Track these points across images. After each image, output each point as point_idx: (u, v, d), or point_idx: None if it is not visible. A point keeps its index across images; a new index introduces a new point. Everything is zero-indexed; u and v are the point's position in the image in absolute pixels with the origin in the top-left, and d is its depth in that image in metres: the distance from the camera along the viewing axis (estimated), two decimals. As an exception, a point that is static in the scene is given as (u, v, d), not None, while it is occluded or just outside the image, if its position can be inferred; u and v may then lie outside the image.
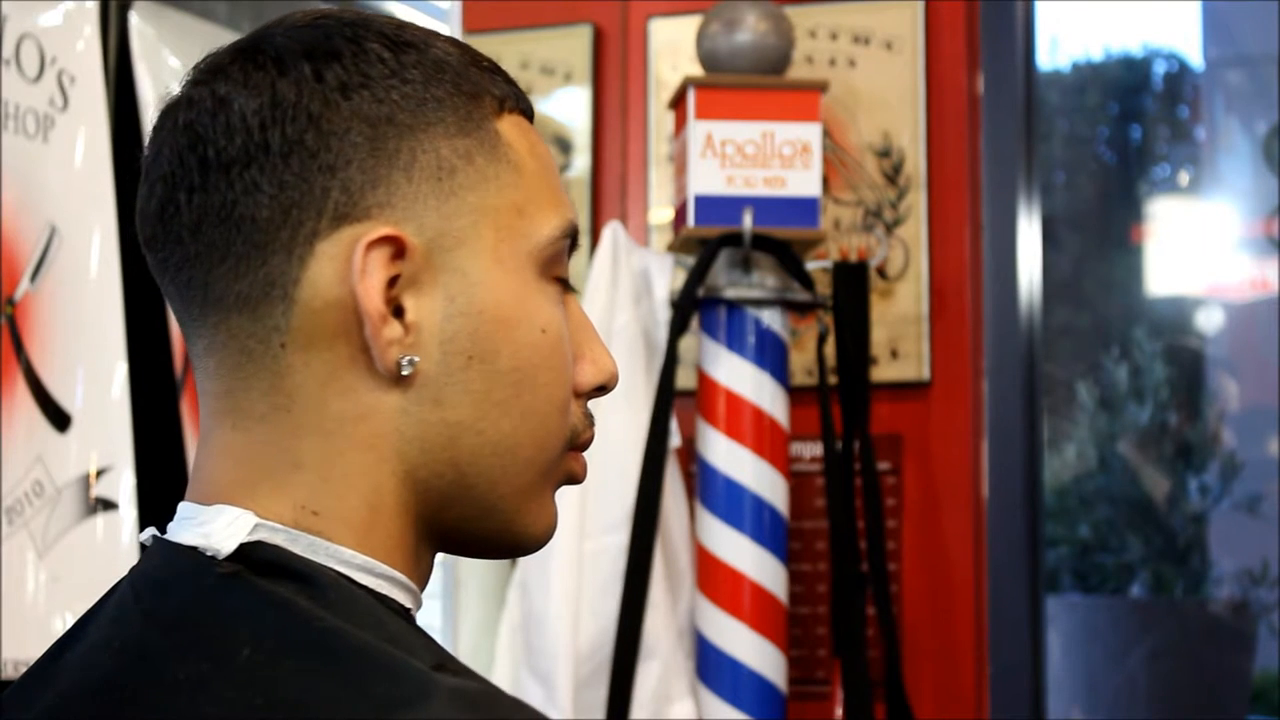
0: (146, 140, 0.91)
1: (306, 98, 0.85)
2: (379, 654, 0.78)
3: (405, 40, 0.88)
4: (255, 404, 0.86)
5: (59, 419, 2.16)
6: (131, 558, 2.22)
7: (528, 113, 0.93)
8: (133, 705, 0.78)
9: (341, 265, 0.84)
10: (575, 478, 0.93)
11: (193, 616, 0.81)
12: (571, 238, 0.92)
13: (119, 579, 0.89)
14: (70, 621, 2.13)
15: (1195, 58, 6.92)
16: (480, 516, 0.89)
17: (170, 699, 0.77)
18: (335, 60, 0.86)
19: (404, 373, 0.85)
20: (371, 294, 0.84)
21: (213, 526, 0.83)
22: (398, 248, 0.84)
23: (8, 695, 0.88)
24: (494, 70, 0.91)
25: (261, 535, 0.83)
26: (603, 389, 0.93)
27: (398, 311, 0.85)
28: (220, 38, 2.58)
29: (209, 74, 0.87)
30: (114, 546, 2.21)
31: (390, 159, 0.85)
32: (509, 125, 0.90)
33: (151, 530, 0.89)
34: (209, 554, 0.82)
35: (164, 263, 0.87)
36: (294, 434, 0.85)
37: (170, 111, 0.87)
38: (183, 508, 0.87)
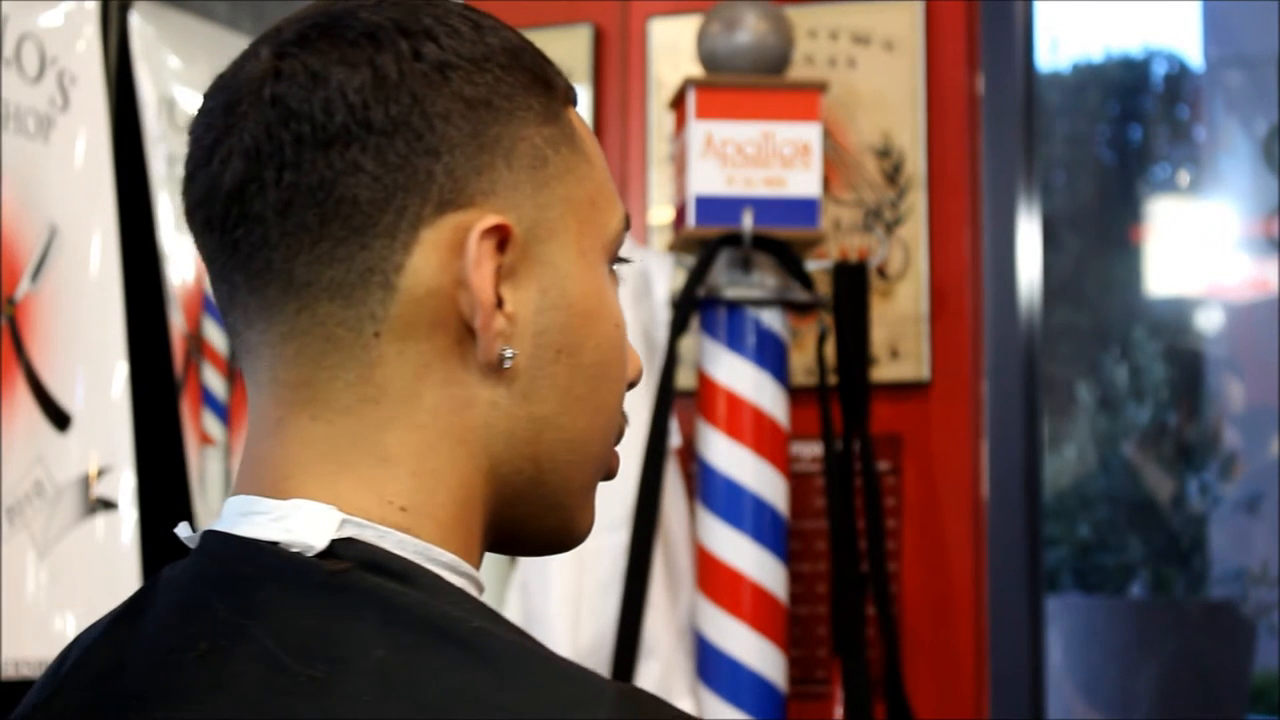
0: (193, 117, 0.86)
1: (409, 76, 0.81)
2: (533, 653, 0.75)
3: (485, 23, 0.85)
4: (339, 395, 0.81)
5: (59, 419, 2.16)
6: (132, 558, 2.22)
7: (577, 105, 0.92)
8: (246, 709, 0.73)
9: (444, 253, 0.81)
10: (612, 473, 0.92)
11: (303, 616, 0.76)
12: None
13: (152, 579, 0.85)
14: (71, 621, 2.14)
15: (1195, 58, 6.93)
16: (545, 513, 0.87)
17: (293, 702, 0.73)
18: (429, 38, 0.82)
19: (505, 365, 0.82)
20: (485, 284, 0.81)
21: (294, 521, 0.79)
22: (502, 238, 0.82)
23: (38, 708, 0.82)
24: (549, 60, 0.89)
25: (350, 531, 0.79)
26: (633, 384, 0.93)
27: (498, 303, 0.82)
28: (220, 38, 2.58)
29: (294, 46, 0.81)
30: (114, 546, 2.21)
31: (492, 145, 0.82)
32: (573, 115, 0.88)
33: (185, 526, 0.86)
34: (295, 549, 0.78)
35: (233, 244, 0.81)
36: (382, 426, 0.81)
37: (251, 84, 0.81)
38: (244, 501, 0.82)
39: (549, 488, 0.86)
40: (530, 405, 0.84)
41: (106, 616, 0.86)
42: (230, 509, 0.83)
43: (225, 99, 0.82)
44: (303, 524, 0.79)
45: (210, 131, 0.82)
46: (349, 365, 0.81)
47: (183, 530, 0.85)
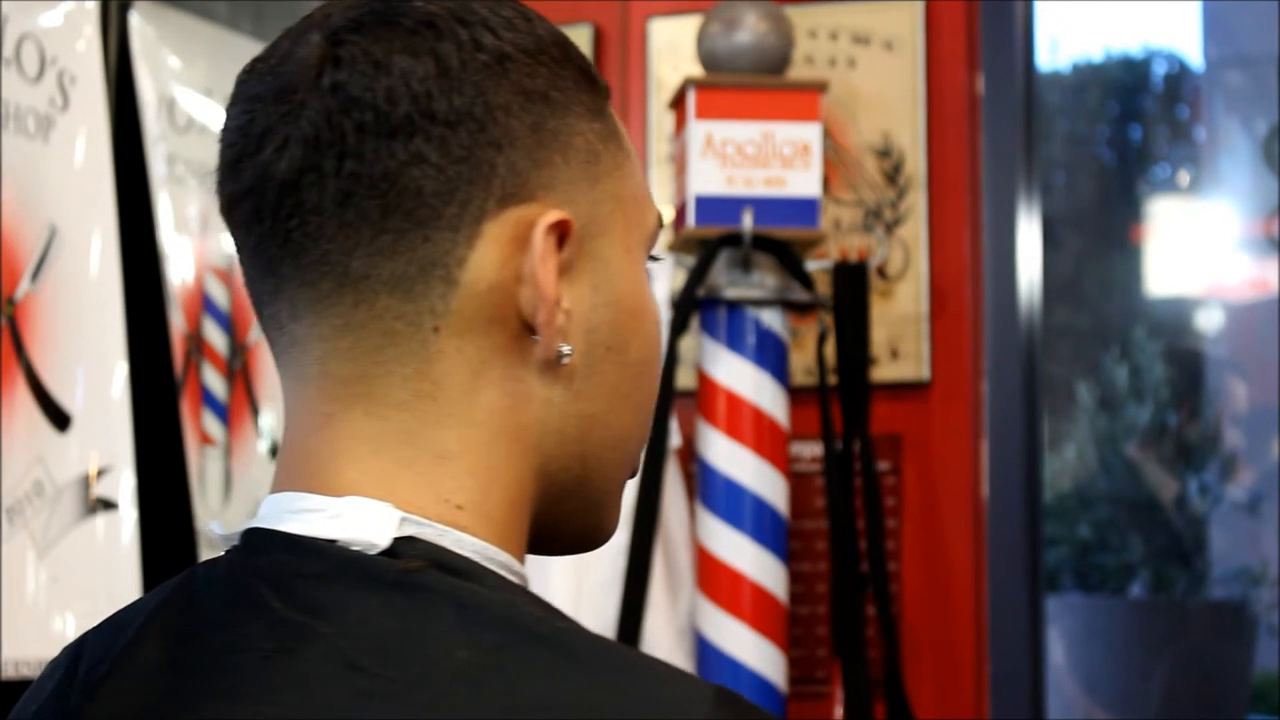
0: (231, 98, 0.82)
1: (470, 67, 0.79)
2: (624, 653, 0.74)
3: (532, 15, 0.83)
4: (394, 390, 0.79)
5: (59, 419, 2.16)
6: (132, 558, 2.22)
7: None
8: (324, 710, 0.71)
9: (506, 248, 0.79)
10: (636, 470, 0.91)
11: (377, 616, 0.73)
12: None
13: (181, 579, 0.82)
14: (71, 621, 2.14)
15: (1195, 58, 6.93)
16: (583, 511, 0.86)
17: (376, 704, 0.71)
18: (487, 29, 0.80)
19: (562, 362, 0.81)
20: (550, 280, 0.79)
21: (352, 519, 0.77)
22: (562, 233, 0.80)
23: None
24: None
25: (410, 530, 0.77)
26: None
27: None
28: (220, 38, 2.58)
29: (351, 33, 0.79)
30: (114, 546, 2.21)
31: (551, 139, 0.81)
32: (613, 111, 0.87)
33: (215, 523, 0.84)
34: (356, 548, 0.76)
35: (285, 235, 0.79)
36: (439, 423, 0.79)
37: (306, 70, 0.79)
38: (290, 498, 0.79)
39: (591, 486, 0.85)
40: (581, 403, 0.83)
41: (122, 618, 0.83)
42: (274, 506, 0.80)
43: (275, 85, 0.79)
44: (362, 521, 0.77)
45: (260, 119, 0.79)
46: (406, 360, 0.79)
47: (216, 527, 0.83)
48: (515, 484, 0.81)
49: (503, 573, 0.79)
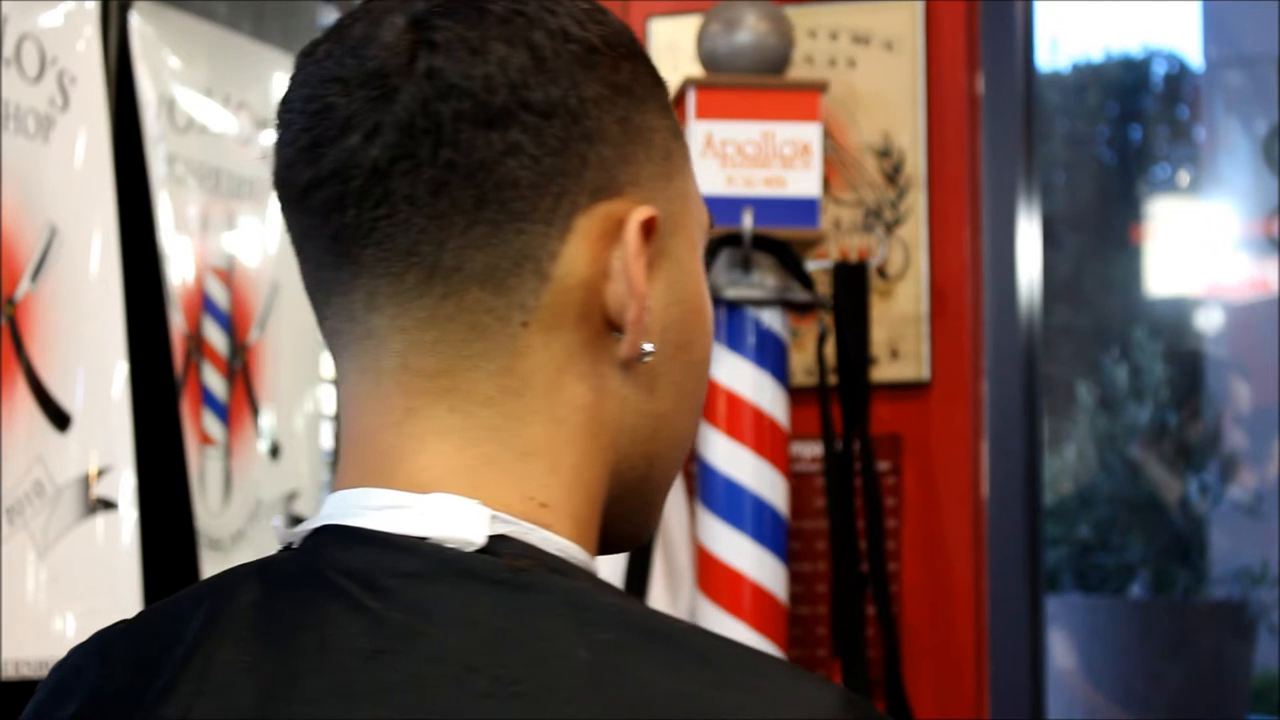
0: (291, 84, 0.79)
1: (563, 57, 0.77)
2: (747, 651, 0.72)
3: (604, 8, 0.81)
4: (480, 385, 0.77)
5: (59, 419, 2.16)
6: (132, 558, 2.22)
7: None
8: (440, 712, 0.69)
9: (595, 243, 0.77)
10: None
11: (488, 615, 0.71)
12: None
13: (223, 577, 0.79)
14: (71, 621, 2.14)
15: (1195, 58, 6.93)
16: (637, 510, 0.85)
17: (496, 705, 0.69)
18: (573, 19, 0.78)
19: (644, 360, 0.79)
20: (642, 277, 0.78)
21: (441, 517, 0.74)
22: (649, 230, 0.79)
23: None
24: None
25: (500, 528, 0.75)
26: None
27: None
28: (220, 38, 2.58)
29: (440, 18, 0.76)
30: (114, 546, 2.21)
31: (635, 134, 0.79)
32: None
33: (279, 520, 0.82)
34: (452, 546, 0.73)
35: (370, 224, 0.76)
36: (523, 419, 0.77)
37: (397, 54, 0.76)
38: (367, 494, 0.77)
39: (650, 485, 0.84)
40: (653, 401, 0.81)
41: (158, 622, 0.80)
42: (346, 502, 0.77)
43: (360, 69, 0.76)
44: (453, 519, 0.74)
45: (343, 103, 0.76)
46: (492, 355, 0.77)
47: (277, 523, 0.81)
48: (593, 482, 0.80)
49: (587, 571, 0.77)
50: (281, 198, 0.80)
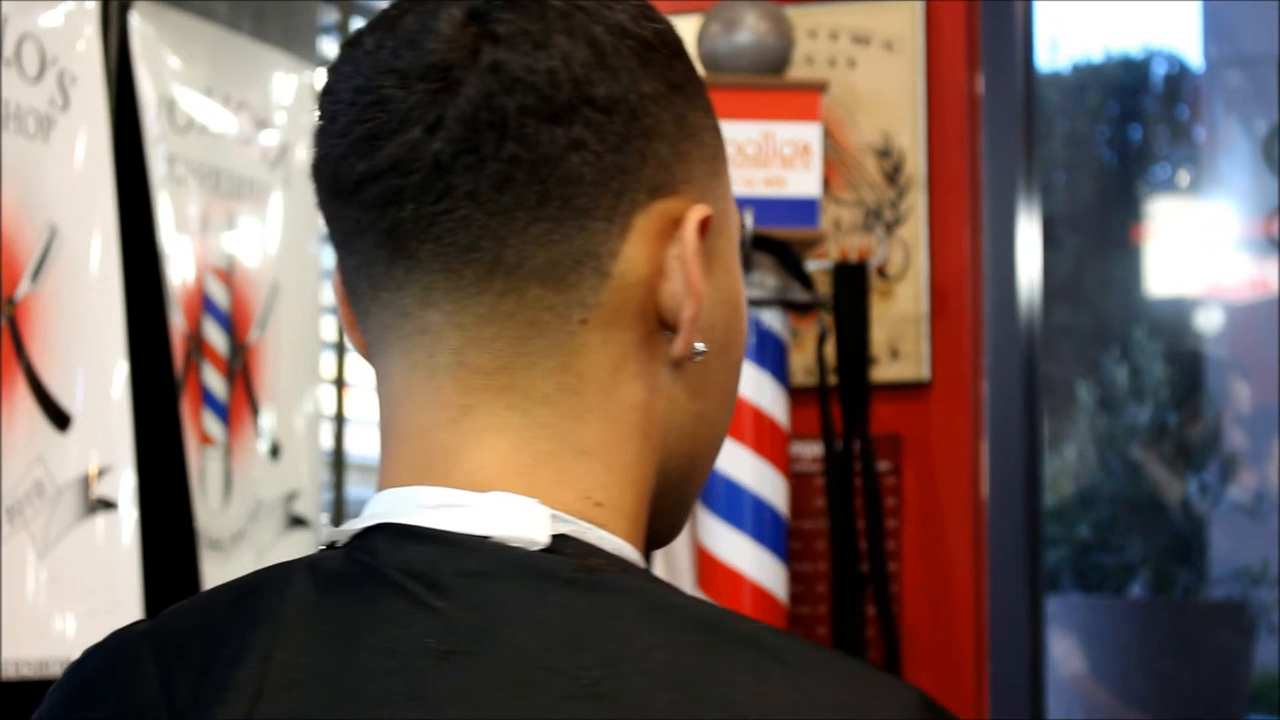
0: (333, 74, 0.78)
1: (622, 53, 0.76)
2: (822, 651, 0.72)
3: (652, 5, 0.81)
4: (537, 383, 0.76)
5: (59, 419, 2.16)
6: (132, 558, 2.22)
7: None
8: (519, 713, 0.68)
9: (653, 241, 0.77)
10: None
11: (561, 615, 0.70)
12: None
13: (261, 575, 0.77)
14: (71, 622, 2.14)
15: (1195, 58, 6.93)
16: (673, 509, 0.84)
17: (579, 706, 0.68)
18: (629, 15, 0.77)
19: (696, 359, 0.79)
20: (700, 276, 0.78)
21: (503, 516, 0.73)
22: (704, 229, 0.78)
23: None
24: None
25: (559, 528, 0.74)
26: None
27: None
28: (220, 38, 2.58)
29: (501, 11, 0.75)
30: (114, 546, 2.21)
31: (689, 132, 0.79)
32: None
33: (328, 525, 0.80)
34: (516, 545, 0.72)
35: (430, 218, 0.75)
36: (580, 418, 0.76)
37: (459, 46, 0.75)
38: (421, 492, 0.76)
39: (689, 484, 0.84)
40: (699, 401, 0.81)
41: (187, 627, 0.78)
42: (400, 500, 0.76)
43: (418, 60, 0.75)
44: (516, 518, 0.74)
45: (401, 96, 0.75)
46: (550, 353, 0.76)
47: (332, 531, 0.78)
48: (644, 481, 0.79)
49: None
50: (328, 190, 0.78)
